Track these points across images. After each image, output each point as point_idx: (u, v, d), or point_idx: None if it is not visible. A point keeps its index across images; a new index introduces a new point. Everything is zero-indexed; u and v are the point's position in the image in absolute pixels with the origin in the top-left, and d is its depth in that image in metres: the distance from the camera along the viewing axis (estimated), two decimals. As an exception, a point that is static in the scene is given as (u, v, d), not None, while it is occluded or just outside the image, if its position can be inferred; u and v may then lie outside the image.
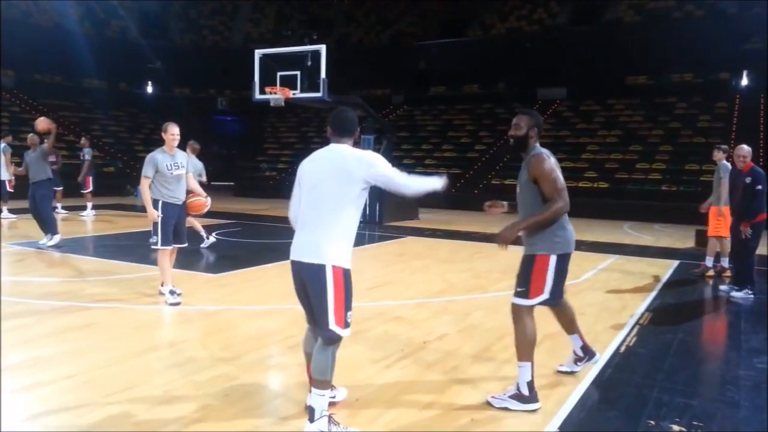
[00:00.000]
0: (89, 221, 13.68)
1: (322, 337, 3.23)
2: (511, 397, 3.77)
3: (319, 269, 3.14)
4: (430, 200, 18.44)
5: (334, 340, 3.22)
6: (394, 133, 18.97)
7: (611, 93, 24.38)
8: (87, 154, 14.69)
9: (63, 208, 14.43)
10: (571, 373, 4.34)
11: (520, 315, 3.85)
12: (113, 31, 28.71)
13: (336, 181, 3.19)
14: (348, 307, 3.20)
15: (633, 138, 21.36)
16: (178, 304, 6.12)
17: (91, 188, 14.59)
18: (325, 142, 3.50)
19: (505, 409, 3.71)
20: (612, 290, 7.43)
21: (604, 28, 25.72)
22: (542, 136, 3.97)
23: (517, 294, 3.86)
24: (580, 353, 4.32)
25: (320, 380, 3.22)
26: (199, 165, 9.57)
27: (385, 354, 4.73)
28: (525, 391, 3.75)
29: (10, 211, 13.49)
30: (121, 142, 25.68)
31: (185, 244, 6.60)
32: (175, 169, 6.26)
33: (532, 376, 3.78)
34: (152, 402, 3.71)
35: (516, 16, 29.13)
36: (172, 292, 6.21)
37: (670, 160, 19.60)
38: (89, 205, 14.47)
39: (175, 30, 31.90)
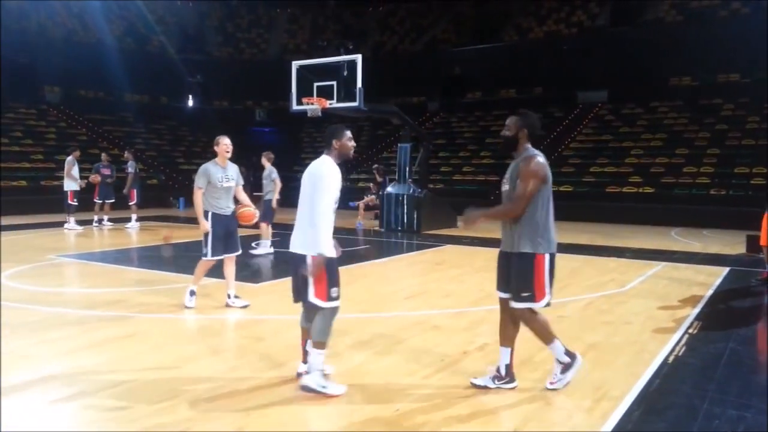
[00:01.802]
0: (134, 233, 14.01)
1: (308, 307, 4.08)
2: (562, 372, 4.05)
3: (302, 258, 3.99)
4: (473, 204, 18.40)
5: (317, 308, 3.99)
6: (431, 140, 18.92)
7: (654, 95, 23.68)
8: (131, 167, 15.07)
9: (109, 220, 14.82)
10: (484, 387, 4.07)
11: (531, 318, 3.98)
12: (153, 46, 29.48)
13: (310, 189, 4.02)
14: (331, 284, 3.96)
15: (678, 141, 20.71)
16: (191, 307, 6.40)
17: (135, 200, 14.96)
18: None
19: (568, 383, 4.04)
20: (659, 298, 7.20)
21: (645, 29, 25.10)
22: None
23: (524, 299, 3.91)
24: (503, 372, 4.10)
25: (317, 341, 4.00)
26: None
27: (424, 364, 4.67)
28: (566, 360, 4.05)
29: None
30: (163, 154, 26.25)
31: (239, 252, 6.71)
32: (225, 182, 6.42)
33: (564, 346, 4.06)
34: (200, 409, 3.75)
35: (554, 19, 28.73)
36: (192, 293, 6.46)
37: (718, 163, 18.94)
38: (134, 216, 14.82)
39: (212, 44, 32.57)
